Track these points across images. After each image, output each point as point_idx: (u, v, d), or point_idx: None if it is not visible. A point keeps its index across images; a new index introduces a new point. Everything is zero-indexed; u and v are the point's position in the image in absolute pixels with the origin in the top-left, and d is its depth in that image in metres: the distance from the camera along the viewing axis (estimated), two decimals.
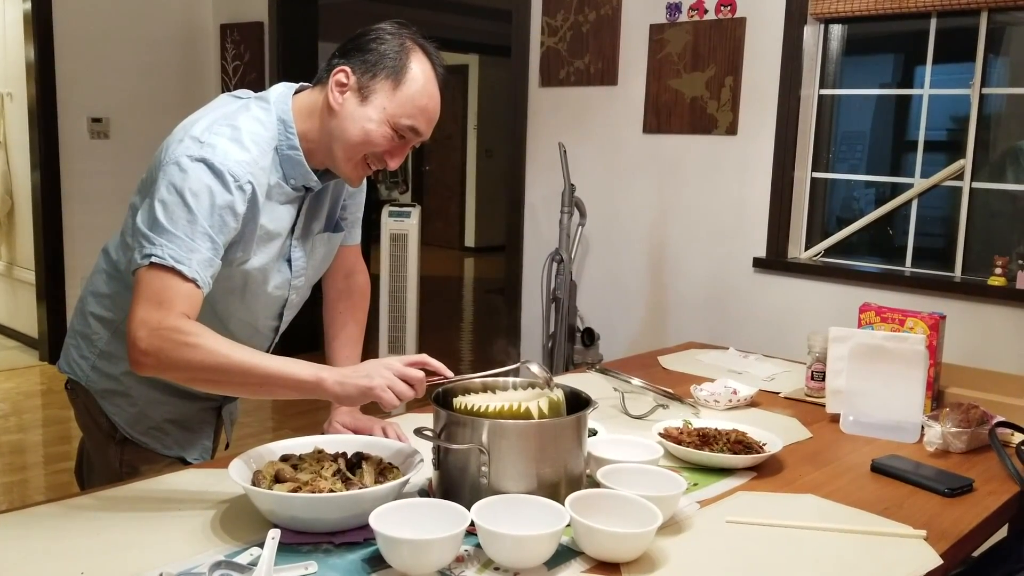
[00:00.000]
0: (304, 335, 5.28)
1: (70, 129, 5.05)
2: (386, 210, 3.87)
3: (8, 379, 4.94)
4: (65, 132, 5.03)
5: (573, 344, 3.69)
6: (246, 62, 5.41)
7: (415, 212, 3.87)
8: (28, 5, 4.89)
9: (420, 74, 1.38)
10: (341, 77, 1.37)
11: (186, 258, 1.26)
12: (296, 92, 1.45)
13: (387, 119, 1.37)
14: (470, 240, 10.59)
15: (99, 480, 1.56)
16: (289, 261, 1.49)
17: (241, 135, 1.35)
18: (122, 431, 1.54)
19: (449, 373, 1.30)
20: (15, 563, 1.10)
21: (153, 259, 1.26)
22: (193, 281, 1.27)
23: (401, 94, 1.37)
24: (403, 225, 3.81)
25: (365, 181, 1.65)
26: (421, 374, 1.25)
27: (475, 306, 7.86)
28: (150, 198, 1.30)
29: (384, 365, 1.25)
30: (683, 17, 3.65)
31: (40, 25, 4.89)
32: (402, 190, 10.50)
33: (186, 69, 5.50)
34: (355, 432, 1.54)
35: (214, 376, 1.24)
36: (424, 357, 1.28)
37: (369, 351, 1.66)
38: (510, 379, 1.42)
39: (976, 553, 1.48)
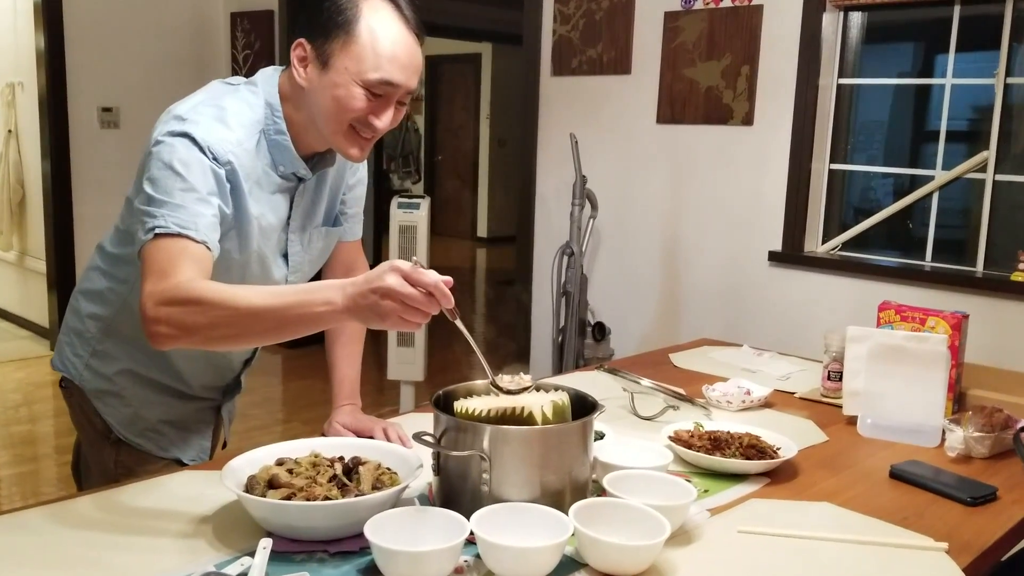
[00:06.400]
0: None
1: (80, 118, 5.03)
2: (395, 202, 3.82)
3: (19, 369, 4.94)
4: (75, 121, 5.01)
5: (584, 339, 3.63)
6: (256, 51, 5.37)
7: (424, 204, 3.81)
8: None
9: (376, 20, 1.27)
10: (299, 52, 1.30)
11: (191, 222, 1.20)
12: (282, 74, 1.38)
13: (353, 79, 1.27)
14: (482, 230, 10.53)
15: (95, 480, 1.53)
16: (286, 256, 1.45)
17: (226, 115, 1.30)
18: (116, 432, 1.50)
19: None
20: (4, 572, 1.06)
21: (157, 230, 1.19)
22: (203, 243, 1.20)
23: (358, 47, 1.26)
24: (412, 217, 3.75)
25: (366, 171, 1.60)
26: (431, 280, 1.07)
27: (486, 297, 7.81)
28: (142, 182, 1.25)
29: (392, 292, 1.06)
30: (698, 4, 3.58)
31: (50, 14, 4.86)
32: (414, 180, 10.46)
33: (196, 58, 5.46)
34: (355, 433, 1.51)
35: (230, 331, 1.15)
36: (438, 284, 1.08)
37: (378, 342, 1.60)
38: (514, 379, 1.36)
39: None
